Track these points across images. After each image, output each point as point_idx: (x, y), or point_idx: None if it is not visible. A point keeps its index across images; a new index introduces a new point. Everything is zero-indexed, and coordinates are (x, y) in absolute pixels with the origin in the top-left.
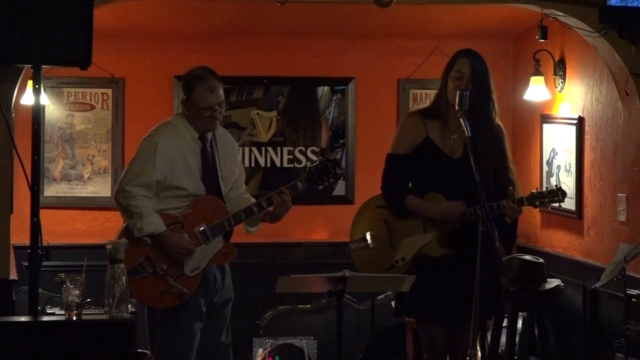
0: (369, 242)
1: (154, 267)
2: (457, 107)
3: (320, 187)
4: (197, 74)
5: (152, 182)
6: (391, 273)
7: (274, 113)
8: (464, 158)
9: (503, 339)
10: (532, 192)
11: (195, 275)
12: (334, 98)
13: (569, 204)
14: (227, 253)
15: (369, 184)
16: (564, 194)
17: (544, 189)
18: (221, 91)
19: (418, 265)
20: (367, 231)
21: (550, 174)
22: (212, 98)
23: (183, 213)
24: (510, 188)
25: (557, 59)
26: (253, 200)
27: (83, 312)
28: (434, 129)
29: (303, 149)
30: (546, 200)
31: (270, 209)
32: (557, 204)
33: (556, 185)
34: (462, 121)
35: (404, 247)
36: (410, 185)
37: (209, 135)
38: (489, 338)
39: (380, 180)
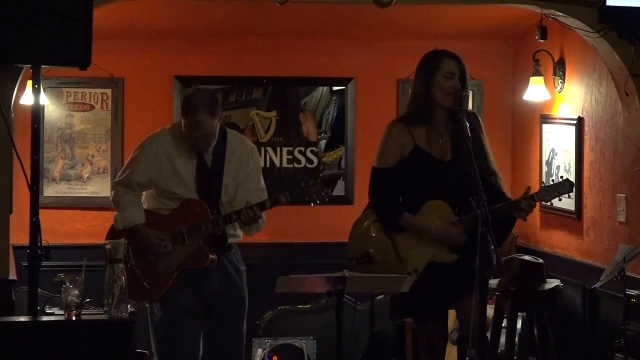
0: (373, 257)
1: (131, 262)
2: (457, 108)
3: (308, 203)
4: (191, 104)
5: (132, 183)
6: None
7: (274, 113)
8: (455, 159)
9: (502, 339)
10: (542, 187)
11: (167, 274)
12: (334, 98)
13: (568, 204)
14: (199, 257)
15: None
16: (571, 184)
17: (551, 182)
18: (210, 123)
19: (428, 272)
20: (369, 246)
21: (549, 174)
22: (196, 131)
23: (169, 212)
24: (493, 178)
25: (556, 59)
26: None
27: (82, 312)
28: (421, 135)
29: (302, 149)
30: (556, 193)
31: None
32: (566, 195)
33: (562, 177)
34: (462, 121)
35: (415, 258)
36: (402, 197)
37: (209, 142)
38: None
39: (369, 196)
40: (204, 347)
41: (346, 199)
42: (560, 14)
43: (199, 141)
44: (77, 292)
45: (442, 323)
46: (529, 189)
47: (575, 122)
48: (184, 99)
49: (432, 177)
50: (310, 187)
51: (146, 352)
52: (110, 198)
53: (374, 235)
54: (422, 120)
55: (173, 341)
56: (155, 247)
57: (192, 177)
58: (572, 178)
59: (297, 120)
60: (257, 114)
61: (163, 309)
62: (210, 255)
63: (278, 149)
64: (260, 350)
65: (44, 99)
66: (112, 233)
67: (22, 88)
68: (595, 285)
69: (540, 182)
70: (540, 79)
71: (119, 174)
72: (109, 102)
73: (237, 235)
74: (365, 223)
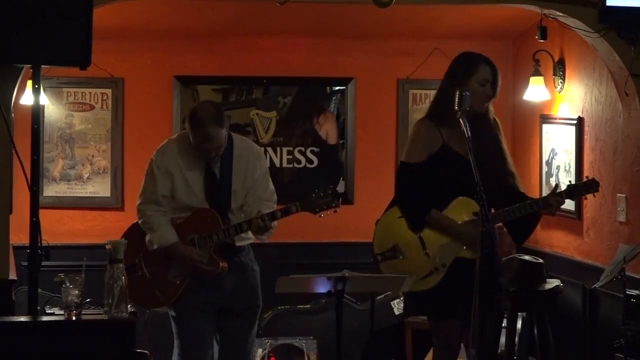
0: (400, 252)
1: (142, 270)
2: (456, 107)
3: (318, 214)
4: (198, 118)
5: (158, 197)
6: (429, 280)
7: (274, 113)
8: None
9: (503, 339)
10: (569, 186)
11: (178, 282)
12: (334, 98)
13: (568, 204)
14: (209, 265)
15: (368, 184)
16: (597, 184)
17: (552, 183)
18: (220, 134)
19: (453, 268)
20: (395, 242)
21: (549, 174)
22: (207, 144)
23: (181, 221)
24: (511, 179)
25: (556, 59)
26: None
27: (82, 312)
28: (448, 134)
29: (302, 149)
30: (583, 192)
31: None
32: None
33: (587, 177)
34: (461, 121)
35: (443, 253)
36: (431, 193)
37: (219, 151)
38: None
39: (395, 190)
40: (220, 345)
41: (346, 199)
42: (560, 14)
43: (210, 152)
44: (77, 292)
45: (460, 322)
46: (557, 186)
47: (575, 122)
48: (191, 114)
49: (460, 174)
50: (322, 198)
51: (146, 352)
52: (140, 221)
53: (400, 231)
54: (448, 121)
55: (187, 339)
56: (198, 264)
57: (201, 188)
58: (572, 178)
59: (298, 120)
60: (257, 114)
61: (176, 310)
62: (221, 264)
63: (278, 149)
64: (260, 350)
65: (44, 99)
66: (129, 232)
67: (22, 88)
68: (595, 285)
69: (540, 182)
70: (540, 79)
71: (140, 194)
72: (109, 102)
73: (249, 237)
74: (391, 219)
